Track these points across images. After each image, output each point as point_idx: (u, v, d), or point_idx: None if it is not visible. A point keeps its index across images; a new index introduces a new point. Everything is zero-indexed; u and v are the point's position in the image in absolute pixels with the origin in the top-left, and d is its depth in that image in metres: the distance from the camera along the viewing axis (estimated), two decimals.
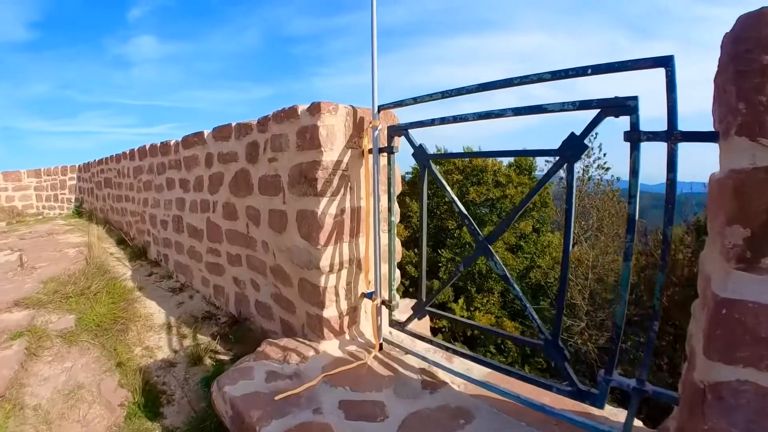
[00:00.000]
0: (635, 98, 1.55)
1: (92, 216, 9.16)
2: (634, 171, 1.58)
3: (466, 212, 2.17)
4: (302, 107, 2.49)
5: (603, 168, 10.02)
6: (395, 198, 2.53)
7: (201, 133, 3.74)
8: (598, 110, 1.64)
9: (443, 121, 2.14)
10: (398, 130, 2.38)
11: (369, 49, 2.31)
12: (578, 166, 10.28)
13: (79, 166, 10.84)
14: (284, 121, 2.63)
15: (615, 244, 9.26)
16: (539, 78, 1.77)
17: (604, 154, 10.06)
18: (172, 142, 4.43)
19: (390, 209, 2.52)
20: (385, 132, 2.47)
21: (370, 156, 2.47)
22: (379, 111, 2.41)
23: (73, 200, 11.50)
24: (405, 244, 11.08)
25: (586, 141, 1.72)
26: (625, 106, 1.57)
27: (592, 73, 1.64)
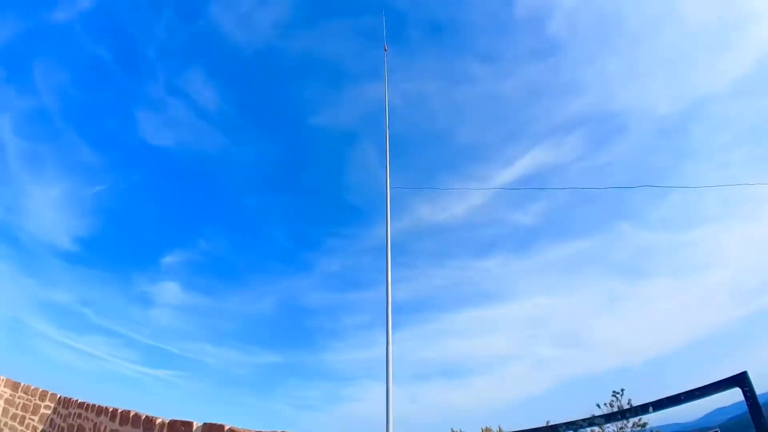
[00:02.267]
0: None
1: None
2: None
3: None
4: None
5: (640, 426, 8.84)
6: None
7: (190, 424, 3.33)
8: None
9: None
10: None
11: (382, 328, 2.15)
12: (612, 428, 9.17)
13: (60, 397, 10.03)
14: None
15: None
16: (590, 423, 1.59)
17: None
18: (158, 421, 3.97)
19: None
20: None
21: None
22: None
23: (39, 431, 10.17)
24: None
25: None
26: None
27: (655, 411, 1.44)
